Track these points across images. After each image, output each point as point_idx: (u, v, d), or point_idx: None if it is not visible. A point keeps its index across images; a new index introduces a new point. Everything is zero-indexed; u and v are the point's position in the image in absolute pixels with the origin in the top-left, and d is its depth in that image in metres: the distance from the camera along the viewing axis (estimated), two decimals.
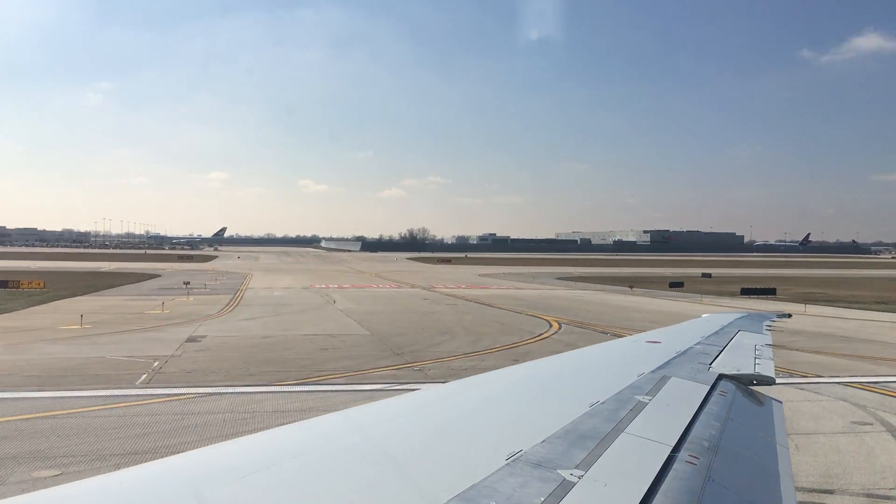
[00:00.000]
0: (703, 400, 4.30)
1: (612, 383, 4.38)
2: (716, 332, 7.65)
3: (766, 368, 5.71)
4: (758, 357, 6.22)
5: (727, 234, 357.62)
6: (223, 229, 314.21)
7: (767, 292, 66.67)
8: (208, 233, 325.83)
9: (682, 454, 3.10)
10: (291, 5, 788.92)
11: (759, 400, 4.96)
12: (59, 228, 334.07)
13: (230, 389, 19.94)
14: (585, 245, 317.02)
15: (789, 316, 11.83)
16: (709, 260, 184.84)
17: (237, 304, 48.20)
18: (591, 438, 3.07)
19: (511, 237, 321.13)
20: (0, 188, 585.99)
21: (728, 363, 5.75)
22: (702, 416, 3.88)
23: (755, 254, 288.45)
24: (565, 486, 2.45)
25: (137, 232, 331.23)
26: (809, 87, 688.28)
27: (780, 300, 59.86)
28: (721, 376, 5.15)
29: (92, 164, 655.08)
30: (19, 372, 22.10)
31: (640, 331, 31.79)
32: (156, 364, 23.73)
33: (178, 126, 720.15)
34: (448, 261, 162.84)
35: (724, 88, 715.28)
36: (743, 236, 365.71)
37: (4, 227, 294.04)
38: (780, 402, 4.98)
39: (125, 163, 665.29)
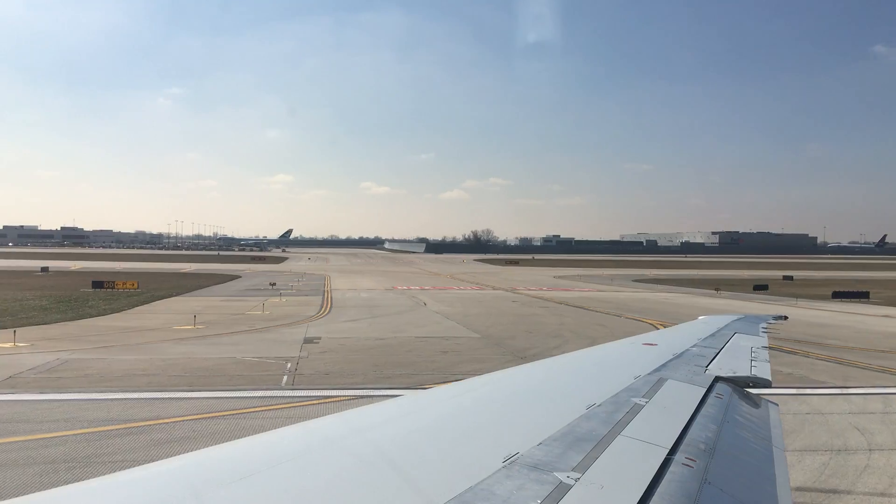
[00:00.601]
0: (700, 402, 4.30)
1: (609, 386, 4.36)
2: (712, 335, 7.60)
3: (763, 371, 5.66)
4: (754, 359, 6.17)
5: (799, 235, 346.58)
6: (289, 231, 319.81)
7: (860, 296, 64.14)
8: (273, 234, 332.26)
9: (679, 456, 3.09)
10: (354, 8, 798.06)
11: (755, 402, 4.93)
12: (132, 230, 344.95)
13: (378, 392, 20.03)
14: (651, 247, 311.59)
15: (785, 318, 11.72)
16: (781, 262, 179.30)
17: (331, 306, 48.71)
18: (587, 441, 3.06)
19: (575, 239, 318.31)
20: (77, 191, 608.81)
21: (724, 365, 5.72)
22: (698, 419, 3.87)
23: (829, 256, 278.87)
24: (562, 489, 2.44)
25: (206, 234, 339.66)
26: (883, 83, 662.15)
27: (874, 304, 57.62)
28: (717, 379, 5.13)
29: (162, 168, 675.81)
30: (162, 372, 22.66)
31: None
32: (289, 365, 24.04)
33: (244, 129, 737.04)
34: (516, 262, 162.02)
35: (793, 85, 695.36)
36: (815, 237, 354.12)
37: (82, 229, 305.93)
38: (776, 405, 4.95)
39: (194, 166, 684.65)
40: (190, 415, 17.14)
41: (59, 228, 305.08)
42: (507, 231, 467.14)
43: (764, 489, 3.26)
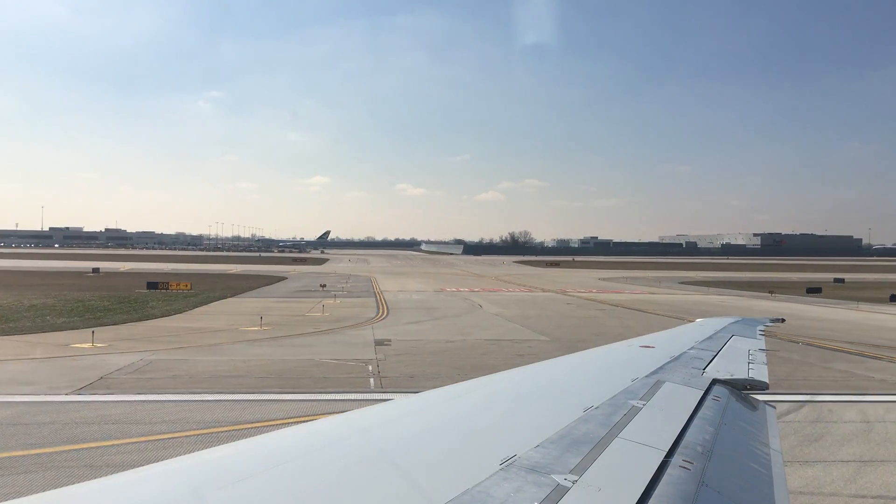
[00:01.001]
0: (697, 405, 4.27)
1: (607, 388, 4.33)
2: (709, 337, 7.55)
3: (760, 373, 5.62)
4: (751, 362, 6.13)
5: (843, 237, 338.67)
6: (327, 232, 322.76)
7: None
8: (310, 235, 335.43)
9: (676, 459, 3.06)
10: (390, 11, 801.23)
11: (752, 405, 4.91)
12: (172, 231, 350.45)
13: None
14: (691, 248, 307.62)
15: (783, 321, 11.70)
16: (827, 264, 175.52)
17: (388, 308, 48.74)
18: (585, 443, 3.04)
19: (613, 240, 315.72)
20: (119, 193, 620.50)
21: (722, 368, 5.69)
22: (696, 421, 3.85)
23: (875, 258, 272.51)
24: (559, 491, 2.42)
25: (244, 235, 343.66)
26: None
27: None
28: (715, 381, 5.11)
29: (202, 170, 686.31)
30: (248, 374, 22.83)
31: (834, 342, 30.21)
32: (370, 368, 24.07)
33: (281, 132, 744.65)
34: (556, 264, 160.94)
35: (836, 84, 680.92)
36: (860, 239, 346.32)
37: (125, 231, 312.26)
38: (774, 407, 4.93)
39: (232, 168, 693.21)
40: (292, 417, 17.20)
41: (103, 230, 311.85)
42: (543, 233, 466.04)
43: (761, 492, 3.25)
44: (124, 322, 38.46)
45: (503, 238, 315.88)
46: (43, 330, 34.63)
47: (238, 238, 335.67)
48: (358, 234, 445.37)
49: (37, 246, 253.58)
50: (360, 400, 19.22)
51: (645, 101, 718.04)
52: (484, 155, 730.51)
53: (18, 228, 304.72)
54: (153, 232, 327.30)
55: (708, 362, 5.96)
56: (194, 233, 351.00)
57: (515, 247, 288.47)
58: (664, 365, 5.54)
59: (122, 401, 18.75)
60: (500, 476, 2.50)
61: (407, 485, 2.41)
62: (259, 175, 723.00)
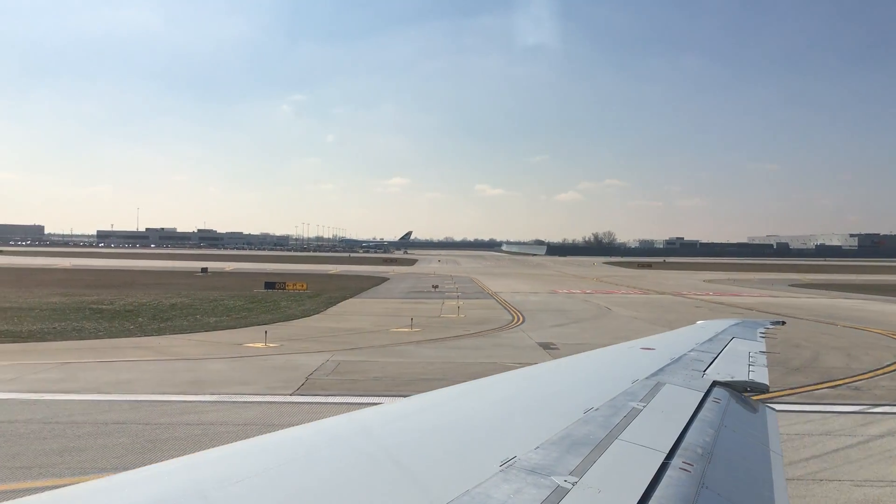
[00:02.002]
0: (697, 407, 4.24)
1: (607, 390, 4.31)
2: (710, 339, 7.51)
3: (761, 375, 5.61)
4: (752, 364, 6.12)
5: None
6: (409, 233, 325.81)
7: None
8: (389, 236, 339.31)
9: (676, 461, 3.04)
10: (473, 12, 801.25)
11: (753, 407, 4.90)
12: (257, 232, 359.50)
13: None
14: (783, 249, 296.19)
15: (783, 323, 11.52)
16: None
17: (518, 310, 48.14)
18: (585, 445, 3.02)
19: (700, 241, 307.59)
20: (208, 195, 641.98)
21: (722, 370, 5.66)
22: (696, 423, 3.82)
23: None
24: (559, 493, 2.40)
25: (325, 235, 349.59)
26: None
27: None
28: (715, 383, 5.08)
29: (284, 172, 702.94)
30: (445, 376, 22.58)
31: None
32: None
33: (361, 134, 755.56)
34: (648, 265, 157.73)
35: None
36: None
37: (216, 231, 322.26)
38: (774, 410, 4.91)
39: (313, 170, 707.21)
40: None
41: (195, 231, 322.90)
42: (624, 233, 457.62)
43: (761, 494, 3.24)
44: (271, 322, 38.99)
45: (586, 239, 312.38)
46: (203, 329, 35.45)
47: (320, 238, 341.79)
48: (436, 235, 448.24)
49: (134, 246, 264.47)
50: None
51: (729, 98, 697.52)
52: (563, 155, 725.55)
53: (116, 229, 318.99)
54: (241, 232, 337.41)
55: (708, 364, 5.92)
56: (278, 233, 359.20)
57: (599, 247, 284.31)
58: (664, 367, 5.49)
59: (344, 402, 18.69)
60: (500, 477, 2.47)
61: (407, 485, 2.39)
62: (339, 176, 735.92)
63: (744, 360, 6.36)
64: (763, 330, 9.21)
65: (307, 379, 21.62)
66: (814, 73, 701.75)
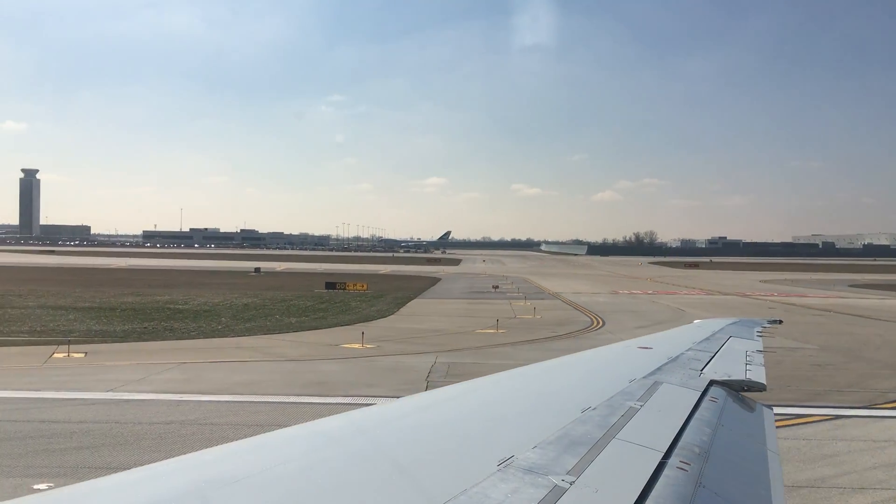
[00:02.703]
0: (695, 406, 4.25)
1: (604, 389, 4.29)
2: (707, 339, 7.52)
3: (758, 375, 5.62)
4: (749, 363, 6.11)
5: None
6: (448, 233, 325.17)
7: None
8: (427, 236, 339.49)
9: (673, 460, 3.04)
10: (509, 11, 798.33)
11: (749, 406, 4.92)
12: (296, 232, 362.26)
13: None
14: (829, 249, 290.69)
15: (780, 322, 11.58)
16: None
17: (593, 312, 47.78)
18: (582, 444, 3.01)
19: (743, 240, 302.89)
20: (246, 195, 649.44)
21: (719, 369, 5.64)
22: (693, 422, 3.81)
23: None
24: (557, 492, 2.40)
25: (364, 235, 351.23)
26: None
27: None
28: (712, 382, 5.07)
29: (322, 172, 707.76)
30: None
31: None
32: None
33: (399, 134, 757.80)
34: (695, 265, 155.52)
35: None
36: None
37: (257, 231, 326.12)
38: (771, 409, 4.91)
39: (351, 170, 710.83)
40: None
41: (238, 231, 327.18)
42: (664, 232, 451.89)
43: (758, 493, 3.26)
44: (351, 323, 39.20)
45: (627, 238, 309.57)
46: (288, 329, 35.73)
47: (358, 238, 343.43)
48: (473, 235, 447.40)
49: (179, 246, 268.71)
50: None
51: (769, 96, 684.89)
52: (601, 154, 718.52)
53: (160, 229, 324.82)
54: (282, 232, 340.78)
55: (706, 363, 5.89)
56: (316, 233, 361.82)
57: (640, 247, 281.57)
58: (662, 366, 5.45)
59: None
60: (497, 477, 2.45)
61: (405, 484, 2.37)
62: (376, 176, 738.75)
63: (741, 360, 6.34)
64: (760, 329, 9.19)
65: (426, 381, 21.61)
66: (857, 69, 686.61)
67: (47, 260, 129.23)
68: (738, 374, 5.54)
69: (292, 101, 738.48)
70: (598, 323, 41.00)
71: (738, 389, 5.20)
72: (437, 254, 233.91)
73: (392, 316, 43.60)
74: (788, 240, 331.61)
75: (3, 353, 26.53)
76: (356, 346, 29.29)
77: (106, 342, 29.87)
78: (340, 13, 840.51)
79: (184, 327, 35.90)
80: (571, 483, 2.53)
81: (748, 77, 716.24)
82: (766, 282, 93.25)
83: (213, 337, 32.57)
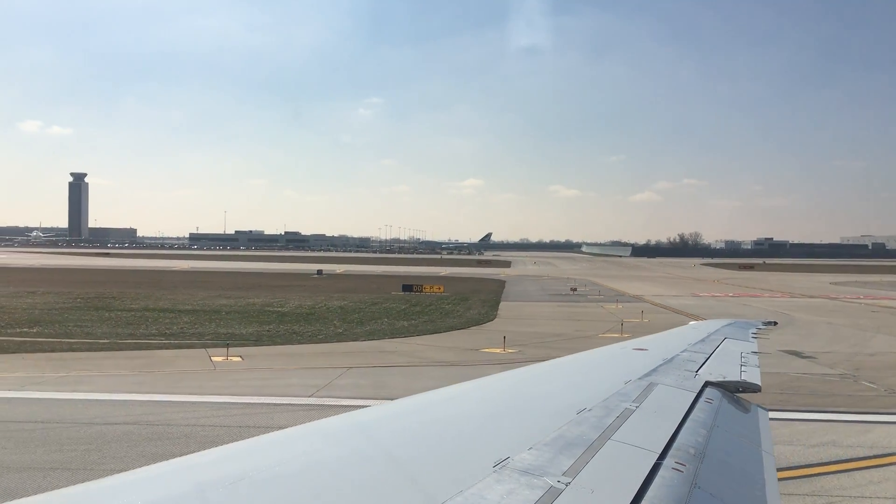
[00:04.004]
0: (690, 407, 4.26)
1: (599, 390, 4.30)
2: (702, 340, 7.54)
3: (753, 376, 5.63)
4: (744, 364, 6.14)
5: None
6: (489, 234, 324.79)
7: None
8: (463, 237, 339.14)
9: (669, 461, 3.06)
10: (546, 13, 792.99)
11: (745, 407, 4.93)
12: (335, 233, 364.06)
13: None
14: (879, 250, 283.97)
15: (775, 324, 11.61)
16: None
17: (695, 316, 47.00)
18: (578, 445, 3.03)
19: (790, 241, 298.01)
20: (285, 198, 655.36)
21: (714, 370, 5.64)
22: (688, 423, 3.83)
23: None
24: (552, 494, 2.41)
25: (402, 237, 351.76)
26: None
27: None
28: (707, 383, 5.07)
29: (359, 174, 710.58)
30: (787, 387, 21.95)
31: None
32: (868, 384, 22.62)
33: (436, 136, 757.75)
34: (750, 267, 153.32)
35: None
36: None
37: (300, 233, 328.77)
38: (766, 410, 4.91)
39: (389, 172, 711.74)
40: None
41: (283, 233, 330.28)
42: (706, 233, 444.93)
43: (753, 494, 3.28)
44: (462, 327, 39.05)
45: (671, 239, 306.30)
46: (406, 333, 35.50)
47: (397, 240, 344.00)
48: (511, 236, 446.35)
49: (225, 248, 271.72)
50: None
51: (811, 95, 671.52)
52: (640, 155, 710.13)
53: (205, 232, 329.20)
54: (324, 234, 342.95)
55: (701, 364, 5.91)
56: (354, 234, 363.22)
57: (685, 248, 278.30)
58: (657, 367, 5.45)
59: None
60: (493, 478, 2.45)
61: (401, 485, 2.38)
62: (413, 178, 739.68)
63: (736, 361, 6.35)
64: (755, 330, 9.19)
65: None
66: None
67: (106, 262, 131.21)
68: (733, 376, 5.55)
69: (331, 104, 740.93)
70: None
71: (734, 391, 5.21)
72: (478, 255, 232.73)
73: (497, 319, 43.22)
74: (836, 241, 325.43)
75: (163, 356, 26.72)
76: (497, 350, 29.02)
77: (245, 345, 29.87)
78: (379, 16, 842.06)
79: (304, 330, 35.91)
80: (567, 484, 2.54)
81: (788, 76, 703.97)
82: (836, 284, 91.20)
83: (340, 341, 32.46)
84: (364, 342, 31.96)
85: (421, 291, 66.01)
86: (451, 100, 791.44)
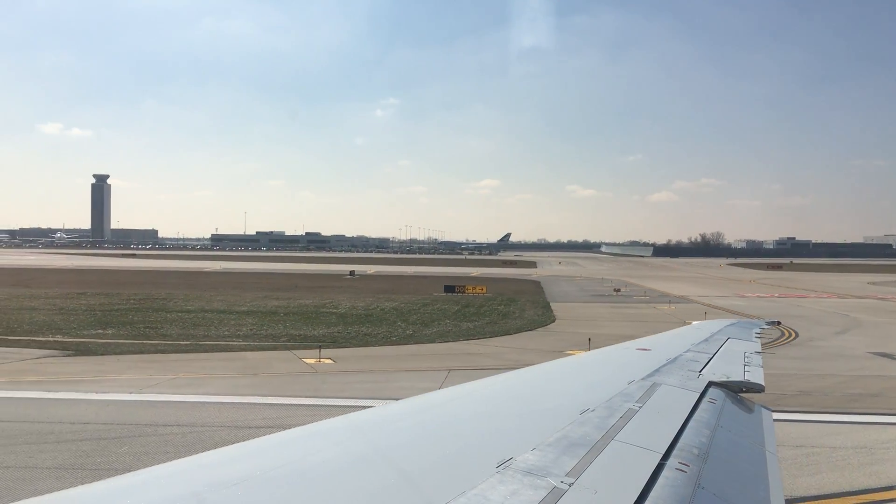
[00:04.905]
0: (693, 407, 4.25)
1: (603, 391, 4.30)
2: (705, 340, 7.51)
3: (756, 376, 5.59)
4: (747, 364, 6.10)
5: None
6: (508, 235, 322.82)
7: None
8: (480, 237, 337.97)
9: (672, 461, 3.08)
10: (566, 12, 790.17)
11: (748, 407, 4.92)
12: (353, 234, 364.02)
13: None
14: None
15: (778, 323, 10.55)
16: None
17: (769, 319, 46.42)
18: (581, 446, 3.04)
19: (812, 241, 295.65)
20: (301, 199, 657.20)
21: (718, 370, 5.61)
22: (691, 424, 3.84)
23: None
24: (556, 494, 2.42)
25: (420, 238, 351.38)
26: None
27: None
28: (711, 384, 5.06)
29: (377, 175, 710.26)
30: (879, 391, 21.56)
31: None
32: None
33: (452, 136, 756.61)
34: (779, 267, 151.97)
35: None
36: None
37: (321, 234, 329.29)
38: (770, 410, 4.89)
39: (405, 173, 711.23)
40: None
41: (304, 234, 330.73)
42: (726, 233, 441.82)
43: (757, 494, 3.27)
44: (526, 329, 38.81)
45: (692, 239, 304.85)
46: (473, 335, 35.34)
47: (414, 241, 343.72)
48: (528, 237, 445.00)
49: (247, 249, 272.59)
50: None
51: (829, 94, 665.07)
52: (657, 154, 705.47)
53: (226, 233, 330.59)
54: (344, 235, 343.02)
55: (704, 365, 5.88)
56: (371, 235, 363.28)
57: (707, 248, 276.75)
58: (660, 367, 5.45)
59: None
60: (496, 479, 2.46)
61: (404, 487, 2.37)
62: (430, 179, 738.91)
63: (739, 361, 6.31)
64: (758, 330, 9.17)
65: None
66: None
67: (135, 263, 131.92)
68: (736, 376, 5.51)
69: (348, 105, 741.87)
70: (791, 335, 37.33)
71: (737, 391, 5.18)
72: (507, 256, 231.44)
73: (558, 321, 42.94)
74: (859, 240, 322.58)
75: (254, 358, 26.64)
76: (582, 353, 28.65)
77: (326, 347, 29.68)
78: (395, 17, 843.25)
79: (374, 332, 35.77)
80: (570, 485, 2.53)
81: (806, 75, 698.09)
82: (874, 284, 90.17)
83: (420, 342, 32.24)
84: (441, 344, 31.75)
85: (463, 292, 65.77)
86: (467, 100, 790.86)
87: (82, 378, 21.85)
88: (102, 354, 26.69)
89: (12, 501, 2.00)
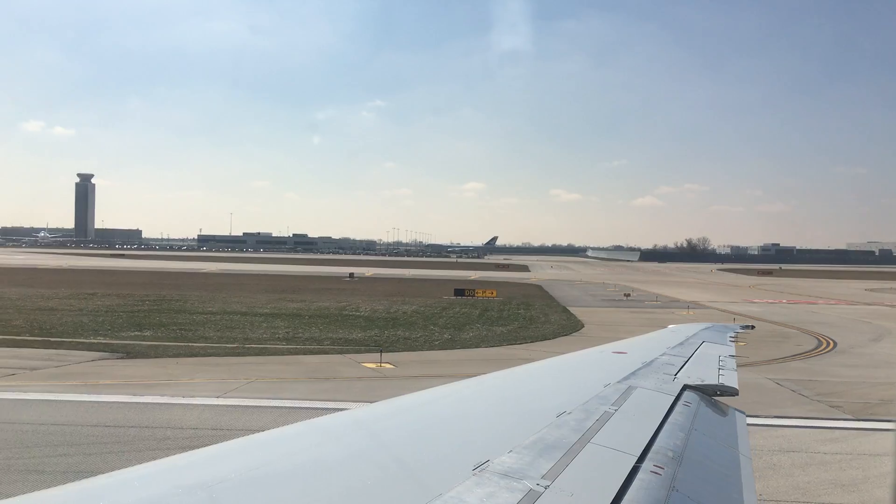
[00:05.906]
0: (668, 410, 4.26)
1: (579, 393, 4.31)
2: (681, 343, 7.55)
3: (730, 379, 5.67)
4: (722, 368, 6.17)
5: None
6: (494, 238, 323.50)
7: None
8: (466, 240, 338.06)
9: (647, 464, 3.08)
10: (553, 17, 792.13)
11: (722, 410, 4.99)
12: (338, 236, 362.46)
13: None
14: (886, 256, 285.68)
15: (752, 327, 11.86)
16: None
17: (781, 324, 46.62)
18: (557, 448, 3.04)
19: (796, 247, 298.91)
20: (286, 200, 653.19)
21: (693, 374, 5.66)
22: (666, 427, 3.85)
23: None
24: (532, 496, 2.42)
25: (405, 240, 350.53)
26: None
27: None
28: (686, 387, 5.09)
29: (362, 177, 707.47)
30: None
31: None
32: None
33: (439, 139, 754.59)
34: (768, 273, 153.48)
35: None
36: None
37: (308, 236, 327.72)
38: (744, 413, 4.95)
39: (391, 175, 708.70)
40: None
41: (290, 235, 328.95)
42: (710, 238, 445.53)
43: (730, 496, 3.30)
44: (556, 336, 38.34)
45: (678, 244, 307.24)
46: (510, 341, 35.10)
47: (399, 243, 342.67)
48: (513, 240, 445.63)
49: (234, 250, 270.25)
50: None
51: (812, 101, 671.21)
52: (641, 160, 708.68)
53: (210, 233, 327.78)
54: (330, 237, 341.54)
55: (679, 368, 5.91)
56: (356, 237, 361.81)
57: (693, 253, 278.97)
58: (636, 370, 5.48)
59: None
60: (473, 481, 2.45)
61: (379, 489, 2.36)
62: (415, 181, 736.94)
63: (714, 364, 6.40)
64: (733, 334, 9.28)
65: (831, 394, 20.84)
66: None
67: (126, 264, 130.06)
68: (711, 379, 5.56)
69: (335, 107, 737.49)
70: (829, 345, 36.73)
71: (711, 394, 5.22)
72: (495, 259, 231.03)
73: (588, 326, 42.76)
74: (841, 246, 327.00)
75: (311, 361, 26.17)
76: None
77: (372, 351, 29.22)
78: (383, 19, 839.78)
79: (412, 336, 35.38)
80: (546, 487, 2.53)
81: (789, 83, 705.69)
82: (872, 291, 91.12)
83: (465, 347, 31.89)
84: (487, 349, 31.46)
85: (474, 296, 65.54)
86: (454, 103, 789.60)
87: (156, 381, 21.27)
88: (155, 357, 26.05)
89: (11, 498, 1.96)
